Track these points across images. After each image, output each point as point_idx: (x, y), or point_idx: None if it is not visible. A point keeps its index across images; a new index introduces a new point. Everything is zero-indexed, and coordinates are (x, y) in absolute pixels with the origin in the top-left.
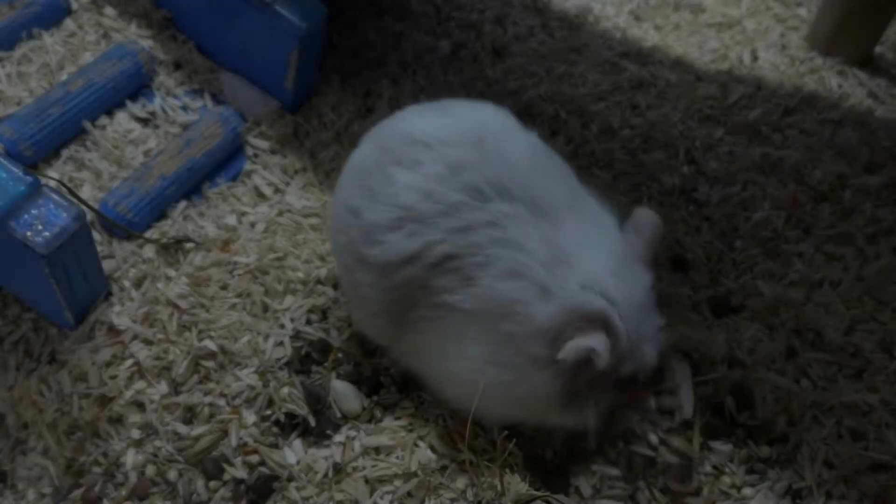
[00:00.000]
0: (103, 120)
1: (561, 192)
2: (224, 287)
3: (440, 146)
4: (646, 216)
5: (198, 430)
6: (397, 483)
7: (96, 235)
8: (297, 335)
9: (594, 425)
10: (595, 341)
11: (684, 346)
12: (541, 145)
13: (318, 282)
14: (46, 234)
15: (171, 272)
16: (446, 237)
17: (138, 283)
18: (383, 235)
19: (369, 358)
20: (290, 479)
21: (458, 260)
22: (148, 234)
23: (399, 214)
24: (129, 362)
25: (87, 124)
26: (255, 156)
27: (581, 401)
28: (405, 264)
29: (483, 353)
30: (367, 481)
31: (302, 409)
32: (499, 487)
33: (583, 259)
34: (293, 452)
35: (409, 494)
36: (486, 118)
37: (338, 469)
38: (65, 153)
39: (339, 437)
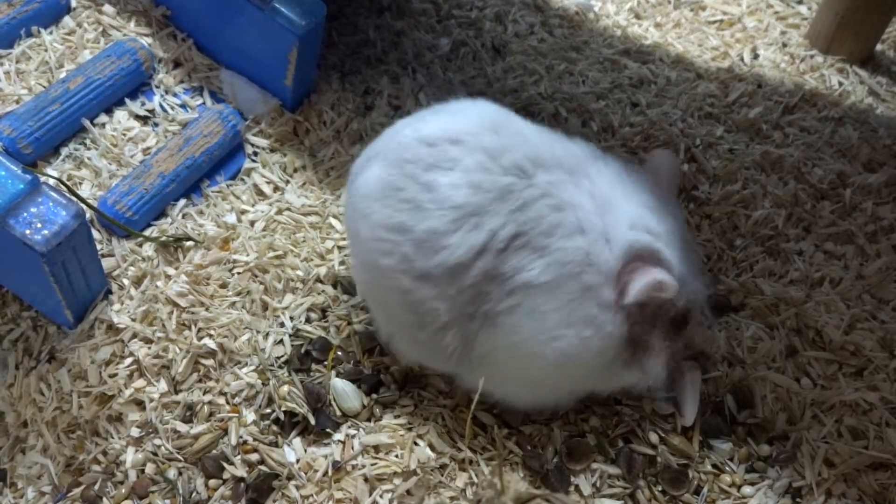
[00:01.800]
0: (102, 118)
1: (579, 150)
2: (223, 285)
3: (468, 138)
4: (663, 157)
5: (197, 428)
6: (397, 481)
7: (95, 234)
8: (296, 333)
9: (659, 375)
10: (658, 274)
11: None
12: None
13: (318, 280)
14: (45, 232)
15: (171, 270)
16: (507, 220)
17: (138, 282)
18: (445, 240)
19: (369, 356)
20: (290, 477)
21: (524, 236)
22: (147, 233)
23: (456, 215)
24: (129, 361)
25: (87, 122)
26: (255, 154)
27: (641, 354)
28: (476, 259)
29: (561, 318)
30: (366, 479)
31: (301, 408)
32: (498, 486)
33: (622, 201)
34: (293, 451)
35: (408, 493)
36: (489, 109)
37: (337, 467)
38: (64, 151)
39: (338, 436)
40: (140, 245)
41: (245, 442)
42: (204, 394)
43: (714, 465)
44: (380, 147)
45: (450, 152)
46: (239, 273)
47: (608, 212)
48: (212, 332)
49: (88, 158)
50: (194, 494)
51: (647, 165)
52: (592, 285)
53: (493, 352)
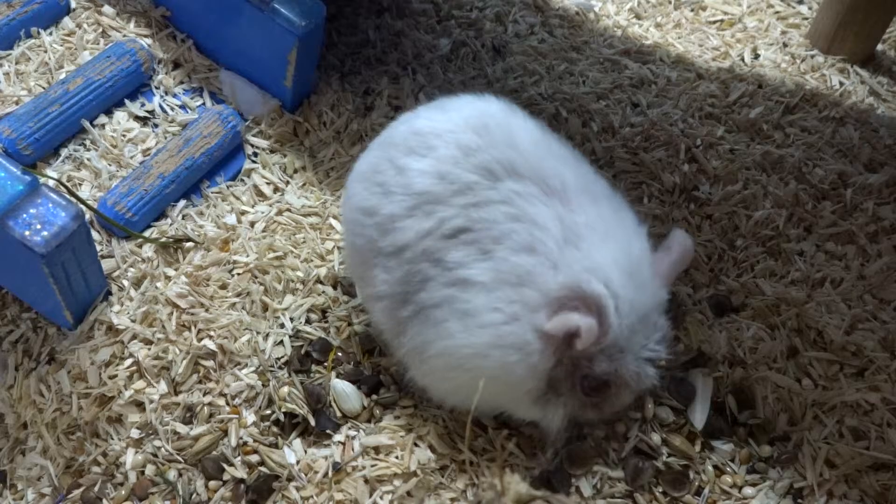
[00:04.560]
0: (102, 119)
1: (573, 176)
2: (223, 286)
3: (448, 134)
4: (680, 237)
5: (197, 429)
6: (397, 483)
7: (95, 235)
8: (296, 334)
9: (558, 424)
10: (582, 321)
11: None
12: (548, 132)
13: (318, 281)
14: (45, 233)
15: (171, 271)
16: (460, 212)
17: (137, 283)
18: (399, 223)
19: (369, 357)
20: (290, 478)
21: (473, 233)
22: (147, 234)
23: (414, 202)
24: (129, 362)
25: (86, 123)
26: (255, 155)
27: (554, 396)
28: (420, 240)
29: (491, 337)
30: (366, 481)
31: (302, 409)
32: (499, 487)
33: (593, 246)
34: (293, 452)
35: (408, 494)
36: (489, 107)
37: (337, 469)
38: (63, 152)
39: (338, 437)
40: (140, 246)
41: (245, 443)
42: (204, 395)
43: (715, 466)
44: (379, 138)
45: (430, 142)
46: (239, 274)
47: (571, 246)
48: (212, 333)
49: (88, 159)
50: (194, 496)
51: (665, 240)
52: (528, 304)
53: (423, 349)
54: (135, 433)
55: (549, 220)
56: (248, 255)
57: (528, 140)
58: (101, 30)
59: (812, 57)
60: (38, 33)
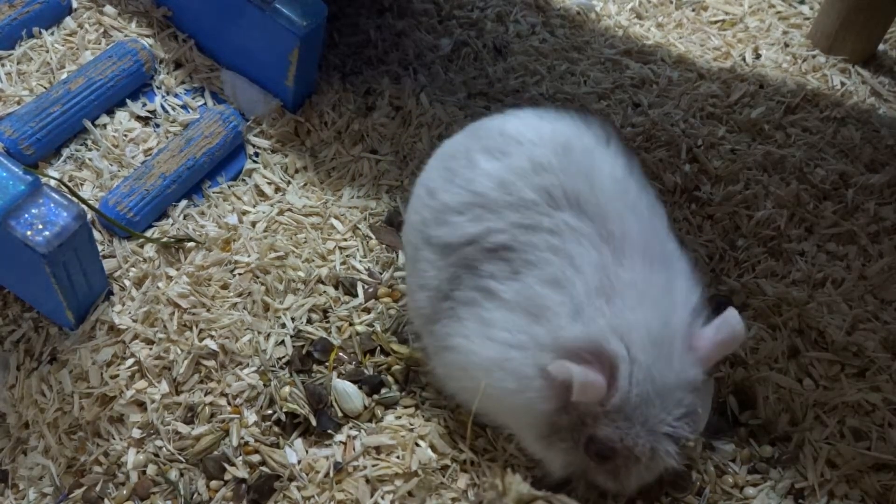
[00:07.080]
0: (104, 119)
1: (637, 229)
2: (225, 286)
3: (529, 144)
4: (732, 319)
5: (199, 429)
6: (398, 482)
7: (97, 235)
8: (298, 334)
9: (556, 470)
10: (582, 374)
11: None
12: (637, 181)
13: (319, 281)
14: (47, 233)
15: (172, 271)
16: (508, 228)
17: (139, 283)
18: (450, 217)
19: (370, 357)
20: (291, 478)
21: (513, 252)
22: (149, 234)
23: (469, 200)
24: (130, 362)
25: (88, 123)
26: (256, 155)
27: (558, 441)
28: (465, 246)
29: (497, 354)
30: (367, 481)
31: (303, 409)
32: (500, 487)
33: (627, 306)
34: (294, 452)
35: (409, 494)
36: (582, 131)
37: (339, 468)
38: (65, 152)
39: (340, 437)
40: (141, 246)
41: (246, 443)
42: (205, 395)
43: (716, 466)
44: (476, 122)
45: (508, 147)
46: (240, 274)
47: (603, 298)
48: (213, 333)
49: (90, 159)
50: (196, 496)
51: (717, 318)
52: (538, 339)
53: (443, 340)
54: (136, 433)
55: (589, 264)
56: (249, 255)
57: (607, 177)
58: (102, 30)
59: (813, 57)
60: (40, 33)
